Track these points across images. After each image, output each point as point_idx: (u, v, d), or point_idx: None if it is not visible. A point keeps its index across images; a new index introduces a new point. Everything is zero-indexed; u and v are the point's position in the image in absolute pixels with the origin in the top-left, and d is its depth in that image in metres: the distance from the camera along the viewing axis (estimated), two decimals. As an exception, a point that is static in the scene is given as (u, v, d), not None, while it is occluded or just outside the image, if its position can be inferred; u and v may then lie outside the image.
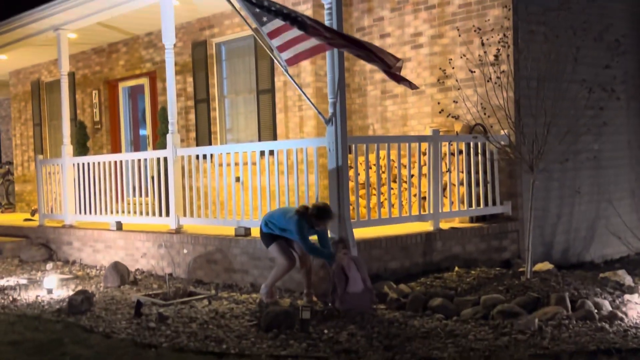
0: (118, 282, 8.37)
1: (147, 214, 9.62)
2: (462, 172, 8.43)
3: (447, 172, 8.33)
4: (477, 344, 5.36)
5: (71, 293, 7.77)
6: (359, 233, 7.40)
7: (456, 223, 8.61)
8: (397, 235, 7.70)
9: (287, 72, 7.39)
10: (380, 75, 10.06)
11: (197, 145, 11.71)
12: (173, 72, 9.21)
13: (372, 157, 9.13)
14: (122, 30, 12.44)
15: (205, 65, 11.65)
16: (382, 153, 8.50)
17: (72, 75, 14.18)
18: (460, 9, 9.15)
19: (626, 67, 9.84)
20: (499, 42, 7.79)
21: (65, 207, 10.93)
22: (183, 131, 12.00)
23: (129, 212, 9.99)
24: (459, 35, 8.97)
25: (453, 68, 8.79)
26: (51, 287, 8.15)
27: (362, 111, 10.35)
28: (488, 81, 7.67)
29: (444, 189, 8.42)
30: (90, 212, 10.53)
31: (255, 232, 8.16)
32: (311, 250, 6.77)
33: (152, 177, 9.55)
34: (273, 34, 7.09)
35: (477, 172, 8.51)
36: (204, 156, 9.09)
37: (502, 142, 7.90)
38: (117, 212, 10.12)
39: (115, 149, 13.77)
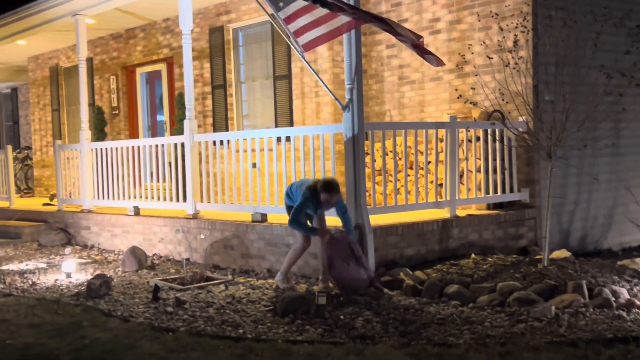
0: (136, 266, 8.44)
1: (165, 199, 9.68)
2: (480, 158, 8.39)
3: (464, 159, 8.30)
4: (493, 331, 5.35)
5: (89, 277, 7.84)
6: (375, 219, 7.39)
7: (473, 210, 8.58)
8: (414, 222, 7.69)
9: (303, 57, 7.37)
10: (397, 61, 10.02)
11: (214, 131, 11.74)
12: (190, 57, 9.22)
13: (388, 144, 9.12)
14: (139, 16, 12.46)
15: (222, 50, 11.65)
16: (399, 139, 8.48)
17: (90, 61, 14.25)
18: (479, -6, 9.07)
19: (647, 54, 9.71)
20: (517, 27, 7.72)
21: (83, 192, 11.01)
22: (200, 117, 12.03)
23: (146, 197, 10.05)
24: (478, 21, 8.90)
25: (472, 54, 8.73)
26: (70, 271, 8.24)
27: (379, 97, 10.32)
28: (506, 67, 7.61)
29: (461, 176, 8.39)
30: (108, 197, 10.61)
31: (272, 218, 8.20)
32: (291, 222, 6.75)
33: (170, 163, 9.59)
34: (289, 19, 7.07)
35: (494, 159, 8.47)
36: (221, 142, 9.11)
37: (520, 129, 7.85)
38: (135, 197, 10.18)
39: (133, 134, 13.84)
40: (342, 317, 5.89)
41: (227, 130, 11.53)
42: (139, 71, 13.77)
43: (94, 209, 10.98)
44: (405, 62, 9.94)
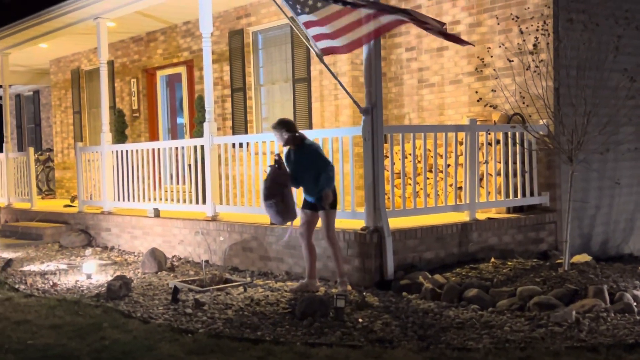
0: (155, 268, 8.49)
1: (184, 201, 9.73)
2: (500, 162, 8.35)
3: (484, 162, 8.26)
4: (512, 336, 5.32)
5: (110, 278, 7.89)
6: (394, 222, 7.38)
7: (492, 213, 8.54)
8: (433, 225, 7.67)
9: (322, 60, 7.38)
10: (416, 64, 10.00)
11: (233, 133, 11.78)
12: (210, 60, 9.26)
13: (408, 147, 9.09)
14: (160, 19, 12.55)
15: (241, 53, 11.69)
16: (418, 142, 8.46)
17: (111, 64, 14.36)
18: (499, -4, 9.03)
19: (669, 56, 9.62)
20: (537, 30, 7.68)
21: (104, 194, 11.10)
22: (219, 120, 12.08)
23: (166, 199, 10.10)
24: (498, 24, 8.86)
25: (492, 57, 8.69)
26: (90, 273, 8.30)
27: (398, 100, 10.30)
28: (527, 70, 7.57)
29: (481, 179, 8.35)
30: (128, 199, 10.68)
31: (291, 221, 8.20)
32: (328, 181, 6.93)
33: (189, 165, 9.64)
34: (309, 25, 7.08)
35: (514, 163, 8.43)
36: (240, 144, 9.14)
37: (541, 132, 7.80)
38: (155, 199, 10.25)
39: (153, 136, 13.92)
40: (360, 320, 5.88)
41: (246, 133, 11.57)
42: (160, 74, 13.86)
43: (114, 211, 11.06)
44: (425, 65, 9.91)
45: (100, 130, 11.38)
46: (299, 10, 7.06)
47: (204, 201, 9.33)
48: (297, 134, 7.03)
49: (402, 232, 7.40)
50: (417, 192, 8.01)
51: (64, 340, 5.58)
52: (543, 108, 7.55)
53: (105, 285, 7.36)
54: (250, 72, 11.68)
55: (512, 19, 8.36)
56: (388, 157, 7.63)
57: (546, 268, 7.18)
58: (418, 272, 7.14)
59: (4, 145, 14.22)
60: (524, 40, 7.74)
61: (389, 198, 7.51)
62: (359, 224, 7.36)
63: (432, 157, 8.05)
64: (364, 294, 6.75)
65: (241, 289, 7.28)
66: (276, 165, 6.95)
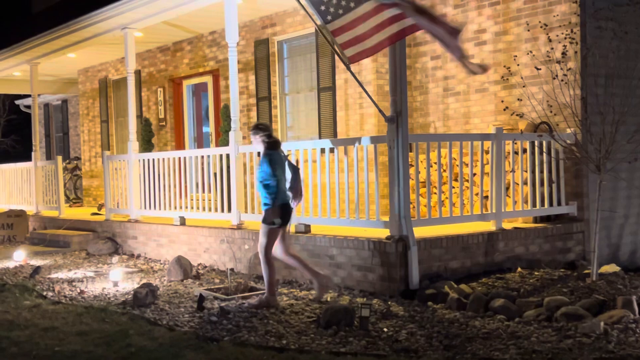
0: (181, 276, 8.53)
1: (210, 209, 9.78)
2: (526, 171, 8.28)
3: (510, 171, 8.20)
4: (539, 346, 5.26)
5: (136, 286, 7.95)
6: (419, 232, 7.35)
7: (519, 223, 8.47)
8: (458, 235, 7.62)
9: (349, 68, 7.38)
10: (442, 72, 9.98)
11: (259, 142, 11.80)
12: (236, 70, 9.32)
13: (433, 155, 9.05)
14: (186, 29, 12.66)
15: (267, 63, 11.75)
16: (444, 151, 8.43)
17: (138, 73, 14.51)
18: (526, 5, 8.98)
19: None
20: (565, 38, 7.62)
21: (130, 202, 11.19)
22: (245, 129, 12.12)
23: (192, 207, 10.16)
24: (527, 31, 8.80)
25: (518, 65, 8.64)
26: (117, 280, 8.37)
27: (423, 109, 10.27)
28: (554, 78, 7.51)
29: (507, 188, 8.28)
30: (154, 207, 10.75)
31: (315, 229, 8.21)
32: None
33: (215, 174, 9.69)
34: (336, 32, 7.10)
35: (541, 172, 8.35)
36: (266, 153, 9.16)
37: (568, 141, 7.73)
38: (181, 207, 10.31)
39: (179, 145, 14.03)
40: (385, 329, 5.86)
41: (271, 141, 11.58)
42: (186, 83, 13.97)
43: (140, 219, 11.14)
44: (450, 73, 9.88)
45: (127, 139, 11.49)
46: (329, 18, 7.09)
47: (229, 209, 9.36)
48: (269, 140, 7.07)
49: (428, 242, 7.36)
50: (443, 201, 7.96)
51: (91, 347, 5.62)
52: (570, 116, 7.48)
53: (132, 292, 7.41)
54: (275, 81, 11.73)
55: (540, 27, 8.31)
56: (413, 165, 7.60)
57: (574, 278, 7.10)
58: (443, 281, 7.10)
59: (32, 153, 14.42)
60: (551, 49, 7.68)
61: (414, 207, 7.49)
62: (383, 232, 7.34)
63: (457, 165, 8.01)
64: (389, 303, 6.72)
65: (266, 297, 7.28)
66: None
